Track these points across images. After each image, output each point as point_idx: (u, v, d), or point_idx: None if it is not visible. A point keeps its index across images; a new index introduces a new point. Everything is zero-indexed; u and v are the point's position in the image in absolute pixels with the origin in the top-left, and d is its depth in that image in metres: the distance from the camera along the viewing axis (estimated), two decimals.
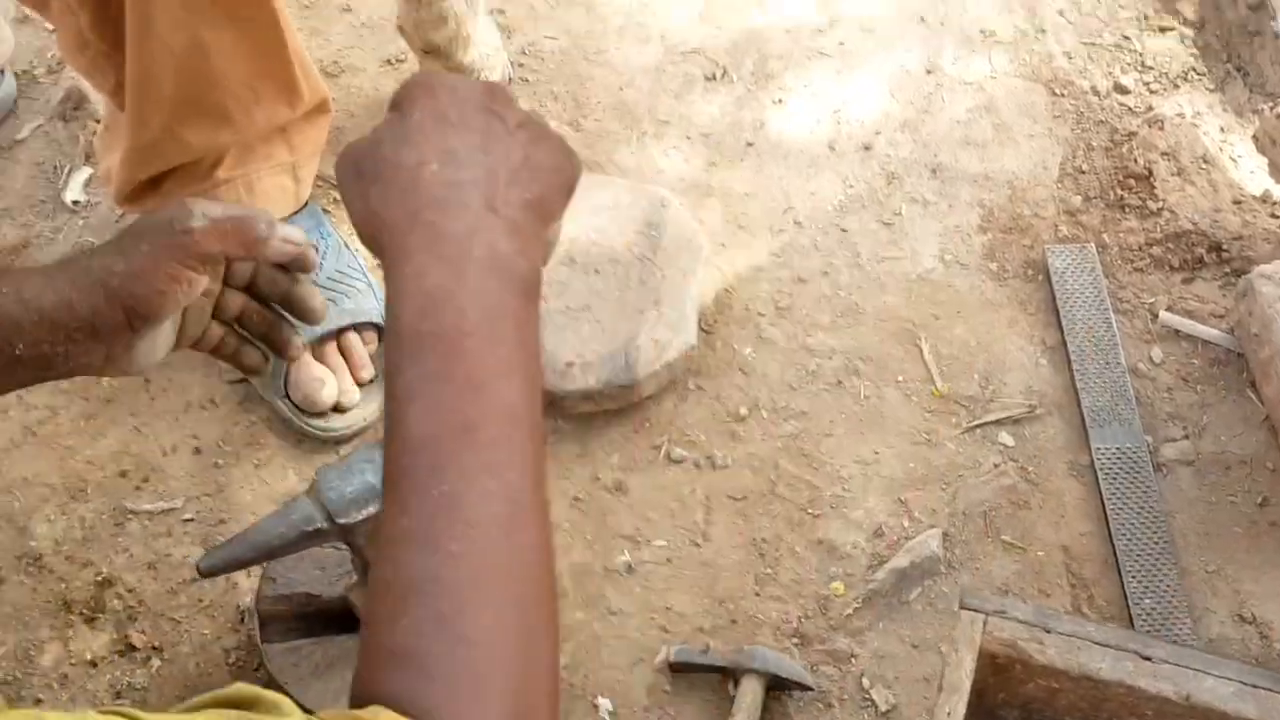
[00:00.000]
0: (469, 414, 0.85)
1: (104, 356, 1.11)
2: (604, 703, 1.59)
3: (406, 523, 0.82)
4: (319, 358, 1.80)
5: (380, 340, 1.84)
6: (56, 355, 1.09)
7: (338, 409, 1.79)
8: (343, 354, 1.82)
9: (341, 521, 1.32)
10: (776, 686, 1.59)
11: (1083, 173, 2.01)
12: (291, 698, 0.81)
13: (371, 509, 1.30)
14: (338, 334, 1.81)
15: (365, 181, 0.93)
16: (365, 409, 1.80)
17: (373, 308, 1.84)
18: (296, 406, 1.78)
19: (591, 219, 1.90)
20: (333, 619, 1.53)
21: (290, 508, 1.32)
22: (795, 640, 1.64)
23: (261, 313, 1.23)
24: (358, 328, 1.83)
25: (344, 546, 1.42)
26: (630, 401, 1.79)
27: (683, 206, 1.94)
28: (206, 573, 1.31)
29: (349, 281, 1.85)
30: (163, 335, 1.15)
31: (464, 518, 0.82)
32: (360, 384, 1.81)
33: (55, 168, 2.06)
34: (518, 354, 0.89)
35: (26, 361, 1.09)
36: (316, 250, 1.20)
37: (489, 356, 0.87)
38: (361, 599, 1.43)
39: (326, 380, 1.77)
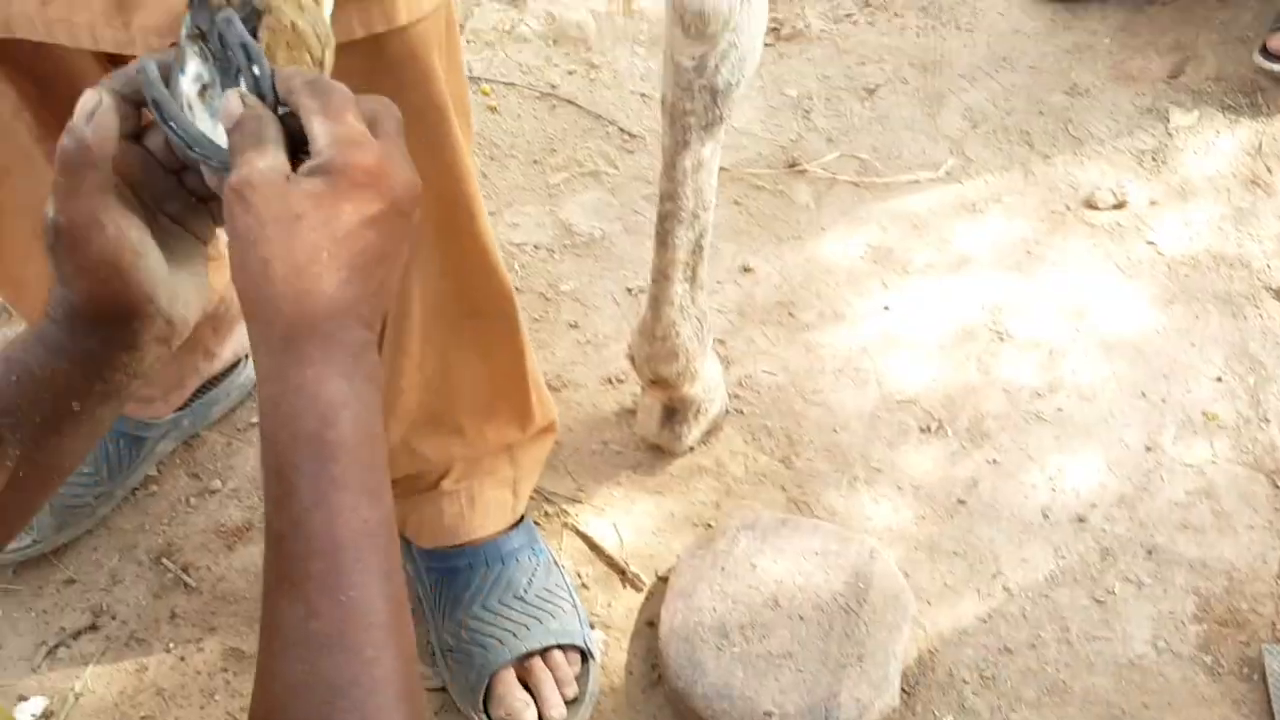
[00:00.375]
0: (368, 519, 0.90)
1: (128, 338, 1.06)
2: None
3: (318, 626, 0.88)
4: (523, 676, 1.80)
5: (584, 661, 1.84)
6: (95, 383, 1.06)
7: None
8: (534, 685, 1.81)
9: None
10: None
11: None
12: None
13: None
14: (543, 653, 1.82)
15: (275, 250, 0.91)
16: None
17: (577, 630, 1.84)
18: None
19: (799, 562, 1.90)
20: None
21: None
22: None
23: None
24: (563, 648, 1.83)
25: None
26: None
27: (891, 559, 1.93)
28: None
29: (556, 601, 1.86)
30: (157, 263, 1.06)
31: (372, 621, 0.89)
32: (566, 701, 1.80)
33: None
34: (384, 461, 0.95)
35: (85, 413, 1.07)
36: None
37: (379, 461, 0.93)
38: None
39: (529, 704, 1.76)
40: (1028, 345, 2.27)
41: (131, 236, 1.01)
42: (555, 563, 1.92)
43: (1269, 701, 1.82)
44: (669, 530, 2.03)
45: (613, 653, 1.90)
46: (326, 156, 0.92)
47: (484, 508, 1.87)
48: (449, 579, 1.87)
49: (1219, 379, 2.21)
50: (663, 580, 1.96)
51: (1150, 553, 2.00)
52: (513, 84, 2.72)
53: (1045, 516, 2.05)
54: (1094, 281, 2.35)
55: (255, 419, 2.17)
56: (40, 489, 1.10)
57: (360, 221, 0.92)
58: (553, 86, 2.71)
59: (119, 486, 2.03)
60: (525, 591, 1.86)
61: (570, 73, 2.74)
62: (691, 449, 2.11)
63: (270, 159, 0.93)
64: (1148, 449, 2.12)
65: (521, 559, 1.88)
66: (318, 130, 0.93)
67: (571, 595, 1.89)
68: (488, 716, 1.79)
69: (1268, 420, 2.15)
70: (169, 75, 1.01)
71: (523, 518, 1.93)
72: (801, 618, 1.85)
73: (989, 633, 1.91)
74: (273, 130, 0.94)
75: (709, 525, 2.03)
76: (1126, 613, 1.93)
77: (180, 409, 2.08)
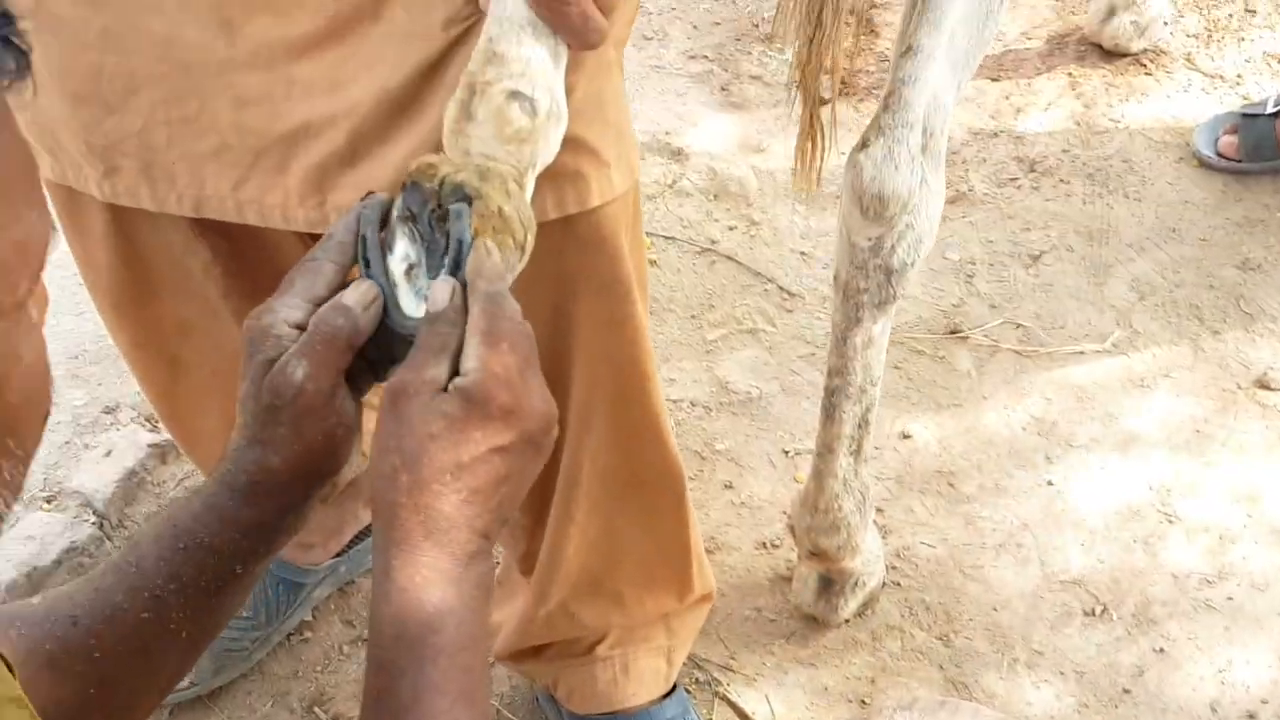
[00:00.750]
0: None
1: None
2: None
3: None
4: None
5: None
6: (261, 548, 1.10)
7: None
8: None
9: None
10: None
11: None
12: None
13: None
14: None
15: (405, 462, 0.96)
16: None
17: None
18: None
19: None
20: None
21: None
22: None
23: None
24: None
25: None
26: None
27: None
28: None
29: None
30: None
31: None
32: None
33: None
34: (486, 662, 1.00)
35: (247, 575, 1.11)
36: None
37: (479, 665, 0.97)
38: None
39: None
40: (1197, 529, 2.20)
41: (350, 410, 1.07)
42: None
43: None
44: (822, 705, 1.99)
45: None
46: (471, 380, 0.97)
47: (638, 675, 1.85)
48: None
49: None
50: None
51: None
52: (673, 238, 2.74)
53: (1214, 711, 1.97)
54: (1267, 465, 2.28)
55: None
56: (200, 643, 1.14)
57: (489, 450, 0.97)
58: (713, 242, 2.73)
59: (275, 631, 2.05)
60: None
61: (730, 228, 2.76)
62: (847, 621, 2.08)
63: (434, 370, 0.98)
64: None
65: None
66: (472, 351, 0.98)
67: None
68: None
69: None
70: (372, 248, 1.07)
71: (675, 686, 1.91)
72: None
73: None
74: (455, 342, 1.00)
75: (864, 701, 1.99)
76: None
77: (338, 555, 2.10)
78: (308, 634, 2.09)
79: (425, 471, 0.96)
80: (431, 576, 0.95)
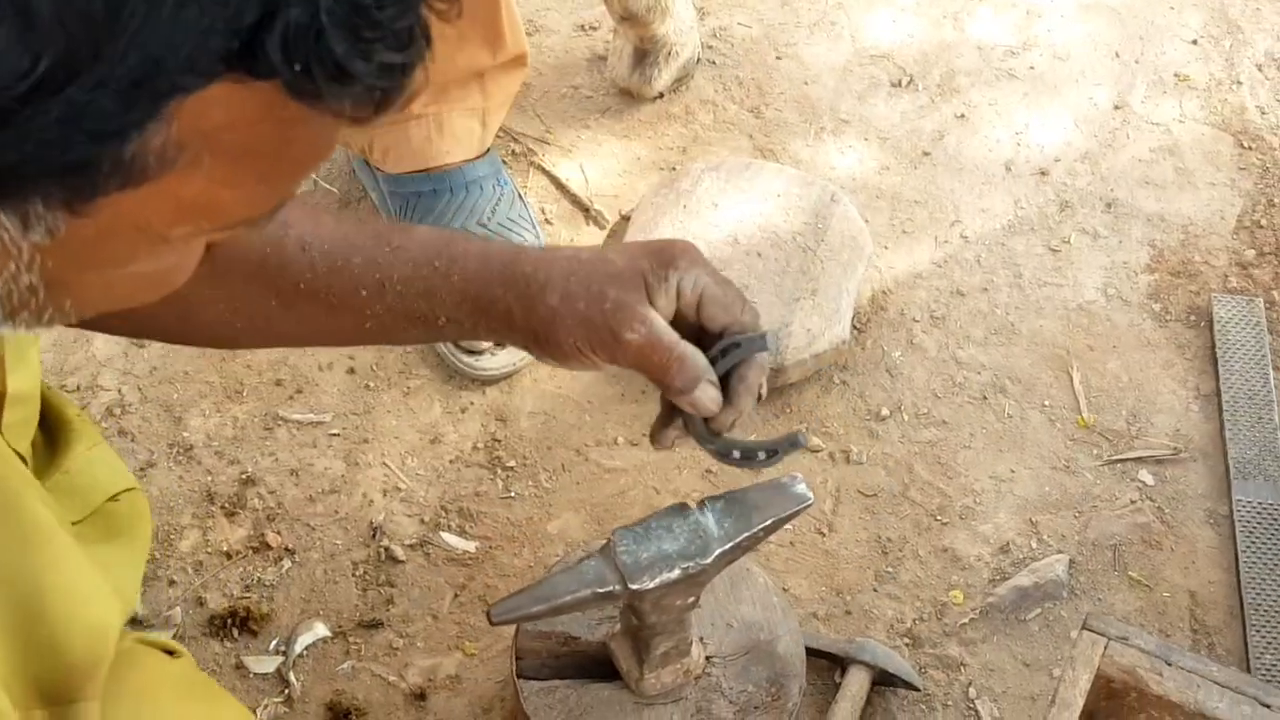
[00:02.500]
0: None
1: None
2: None
3: None
4: None
5: None
6: (466, 330, 1.17)
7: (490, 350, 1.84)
8: None
9: (634, 587, 1.24)
10: (883, 681, 1.59)
11: (1260, 227, 1.99)
12: None
13: (665, 576, 1.24)
14: None
15: None
16: (515, 354, 1.84)
17: None
18: (460, 348, 1.83)
19: (761, 204, 1.93)
20: (588, 663, 1.45)
21: (584, 567, 1.25)
22: (907, 640, 1.64)
23: None
24: None
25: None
26: (774, 385, 1.81)
27: (852, 204, 1.95)
28: (497, 621, 1.25)
29: (519, 230, 1.90)
30: None
31: None
32: None
33: None
34: None
35: (445, 329, 1.17)
36: (721, 411, 1.17)
37: None
38: (622, 650, 1.39)
39: None
40: (1005, 5, 2.25)
41: None
42: (519, 196, 1.95)
43: (1213, 347, 1.87)
44: (634, 173, 2.05)
45: None
46: None
47: (451, 134, 1.88)
48: (414, 203, 1.90)
49: (1194, 42, 2.20)
50: (625, 219, 1.99)
51: (1109, 206, 2.02)
52: None
53: (1008, 169, 2.06)
54: None
55: None
56: (342, 340, 1.33)
57: None
58: None
59: None
60: (488, 219, 1.89)
61: None
62: (661, 95, 2.12)
63: None
64: (1116, 107, 2.13)
65: (486, 187, 1.91)
66: None
67: (534, 226, 1.93)
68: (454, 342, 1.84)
69: (1239, 83, 2.15)
70: None
71: (489, 150, 1.95)
72: (759, 254, 1.89)
73: (943, 277, 1.95)
74: None
75: (674, 169, 2.05)
76: (1080, 261, 1.97)
77: None
78: None
79: None
80: None
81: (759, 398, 1.17)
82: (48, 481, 1.14)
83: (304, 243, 1.15)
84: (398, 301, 1.17)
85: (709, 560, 1.22)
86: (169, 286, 0.74)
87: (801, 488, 1.26)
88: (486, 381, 1.84)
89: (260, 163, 0.66)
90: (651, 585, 1.22)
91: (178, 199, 0.64)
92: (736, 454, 1.18)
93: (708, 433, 1.16)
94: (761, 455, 1.19)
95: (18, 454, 1.06)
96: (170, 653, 0.98)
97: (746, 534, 1.22)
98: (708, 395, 1.13)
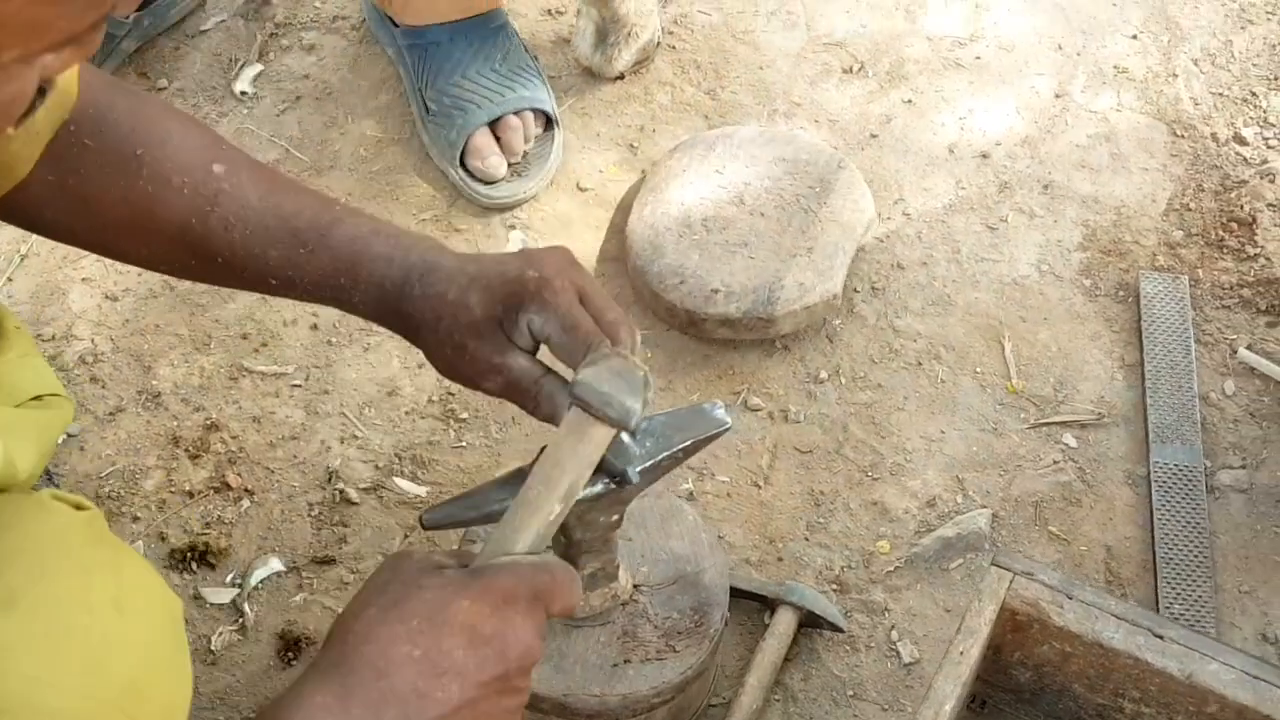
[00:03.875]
0: None
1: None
2: None
3: None
4: (496, 134, 2.06)
5: (548, 127, 2.11)
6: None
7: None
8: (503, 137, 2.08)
9: None
10: (809, 624, 1.68)
11: (1189, 210, 2.08)
12: None
13: (588, 490, 1.29)
14: (514, 114, 2.07)
15: (378, 601, 0.99)
16: (527, 183, 2.05)
17: (543, 99, 2.11)
18: (469, 174, 2.03)
19: (770, 168, 2.02)
20: None
21: (515, 477, 1.30)
22: (835, 587, 1.73)
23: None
24: (532, 110, 2.09)
25: None
26: (766, 335, 1.90)
27: (858, 171, 2.05)
28: (429, 526, 1.31)
29: (526, 76, 2.10)
30: None
31: None
32: (525, 155, 2.07)
33: (231, 60, 2.22)
34: None
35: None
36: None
37: None
38: None
39: (501, 156, 2.04)
40: None
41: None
42: (526, 49, 2.15)
43: (1139, 321, 1.96)
44: (594, 149, 2.14)
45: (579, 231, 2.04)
46: (487, 565, 1.01)
47: None
48: (431, 52, 2.09)
49: (1134, 36, 2.29)
50: (582, 190, 2.08)
51: (1046, 187, 2.11)
52: None
53: (951, 152, 2.15)
54: None
55: (206, 26, 2.27)
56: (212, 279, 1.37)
57: (464, 624, 0.96)
58: None
59: None
60: (499, 65, 2.09)
61: None
62: (622, 76, 2.21)
63: (446, 559, 1.02)
64: (1057, 96, 2.22)
65: (496, 38, 2.11)
66: (513, 559, 1.03)
67: (539, 74, 2.13)
68: (464, 168, 2.05)
69: (1175, 76, 2.24)
70: None
71: (499, 6, 2.12)
72: (763, 214, 1.98)
73: (884, 251, 2.04)
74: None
75: (633, 146, 2.14)
76: (1016, 239, 2.06)
77: (141, 8, 2.17)
78: None
79: (390, 613, 0.96)
80: (330, 714, 0.94)
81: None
82: None
83: (227, 223, 1.25)
84: (306, 294, 1.29)
85: (630, 476, 1.30)
86: (8, 120, 0.78)
87: (720, 412, 1.33)
88: (501, 209, 2.05)
89: None
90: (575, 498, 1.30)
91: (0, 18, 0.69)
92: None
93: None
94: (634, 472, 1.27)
95: None
96: (80, 509, 1.05)
97: (666, 453, 1.30)
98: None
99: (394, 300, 1.26)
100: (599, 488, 1.30)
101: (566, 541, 1.37)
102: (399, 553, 1.03)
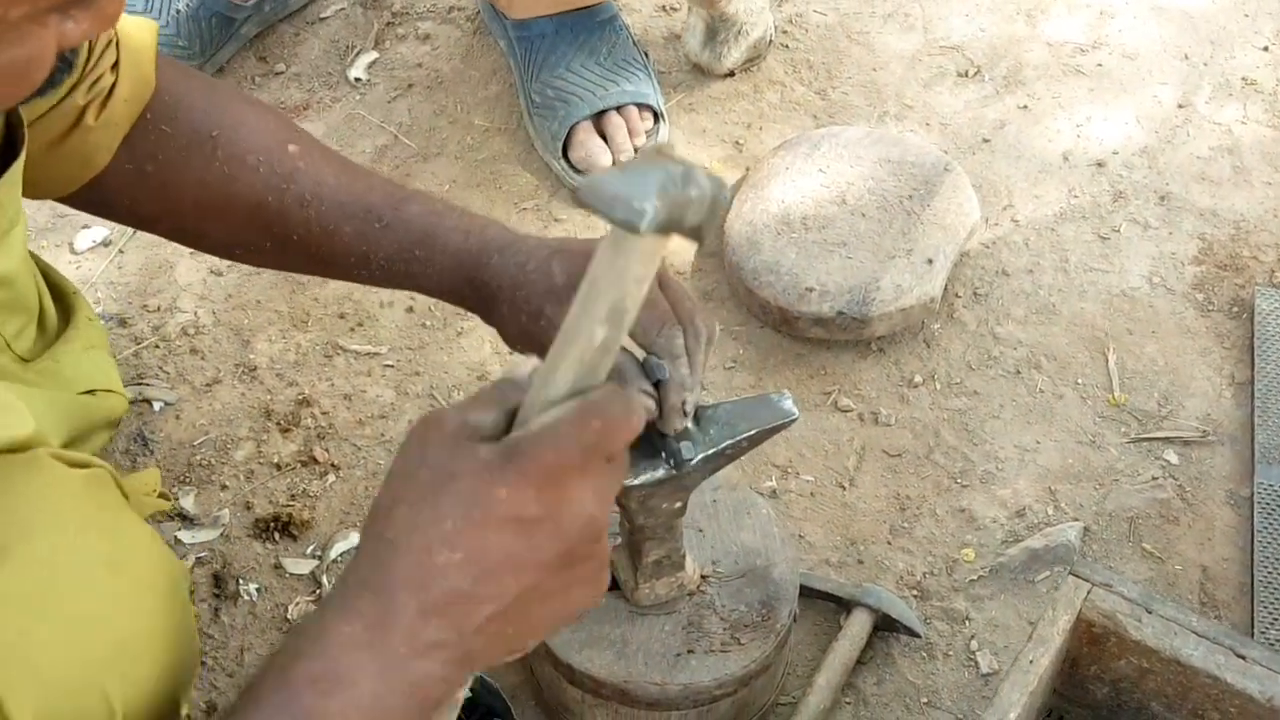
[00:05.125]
0: None
1: None
2: None
3: None
4: (600, 128, 2.05)
5: (656, 121, 2.10)
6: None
7: None
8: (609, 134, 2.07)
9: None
10: (886, 627, 1.64)
11: None
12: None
13: (650, 475, 1.27)
14: (619, 109, 2.06)
15: (409, 496, 0.85)
16: None
17: (647, 93, 2.10)
18: (573, 167, 2.03)
19: (874, 168, 1.99)
20: None
21: None
22: (915, 593, 1.69)
23: None
24: (637, 105, 2.08)
25: (615, 507, 1.36)
26: (860, 337, 1.88)
27: (964, 174, 2.01)
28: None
29: (632, 70, 2.10)
30: None
31: None
32: (635, 150, 2.06)
33: (348, 47, 2.26)
34: None
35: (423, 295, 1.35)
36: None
37: None
38: (621, 560, 1.44)
39: (606, 150, 2.04)
40: (1079, 5, 2.29)
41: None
42: (634, 42, 2.14)
43: (1252, 338, 1.89)
44: (698, 145, 2.13)
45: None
46: (525, 434, 0.83)
47: None
48: (539, 45, 2.10)
49: (1265, 49, 2.22)
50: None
51: (1163, 199, 2.05)
52: None
53: (1065, 159, 2.10)
54: None
55: (325, 14, 2.31)
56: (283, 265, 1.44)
57: (507, 516, 0.82)
58: None
59: (207, 63, 2.17)
60: (605, 59, 2.09)
61: None
62: (732, 73, 2.19)
63: (483, 416, 0.86)
64: (1180, 106, 2.15)
65: (604, 30, 2.11)
66: (556, 413, 0.83)
67: (646, 68, 2.12)
68: (567, 161, 2.05)
69: None
70: None
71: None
72: (864, 215, 1.95)
73: (989, 256, 1.99)
74: (512, 399, 0.87)
75: (738, 143, 2.13)
76: (1128, 250, 2.00)
77: None
78: (223, 68, 2.23)
79: (424, 514, 0.83)
80: (360, 639, 0.83)
81: (684, 413, 1.23)
82: (35, 363, 1.25)
83: (303, 199, 1.27)
84: (380, 270, 1.30)
85: (693, 462, 1.28)
86: (29, 84, 0.80)
87: (788, 403, 1.32)
88: None
89: None
90: (636, 483, 1.29)
91: None
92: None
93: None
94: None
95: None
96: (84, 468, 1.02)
97: (729, 441, 1.28)
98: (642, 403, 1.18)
99: (470, 269, 1.27)
100: (660, 472, 1.29)
101: (630, 528, 1.37)
102: (426, 419, 0.87)
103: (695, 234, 0.83)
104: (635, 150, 2.05)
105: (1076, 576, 1.44)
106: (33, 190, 1.18)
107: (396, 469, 0.86)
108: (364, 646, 0.83)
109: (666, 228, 0.81)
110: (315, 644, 0.84)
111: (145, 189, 1.28)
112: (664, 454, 1.27)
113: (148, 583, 1.00)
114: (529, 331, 1.24)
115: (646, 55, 2.16)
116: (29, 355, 1.21)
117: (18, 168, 1.09)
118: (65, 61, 0.84)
